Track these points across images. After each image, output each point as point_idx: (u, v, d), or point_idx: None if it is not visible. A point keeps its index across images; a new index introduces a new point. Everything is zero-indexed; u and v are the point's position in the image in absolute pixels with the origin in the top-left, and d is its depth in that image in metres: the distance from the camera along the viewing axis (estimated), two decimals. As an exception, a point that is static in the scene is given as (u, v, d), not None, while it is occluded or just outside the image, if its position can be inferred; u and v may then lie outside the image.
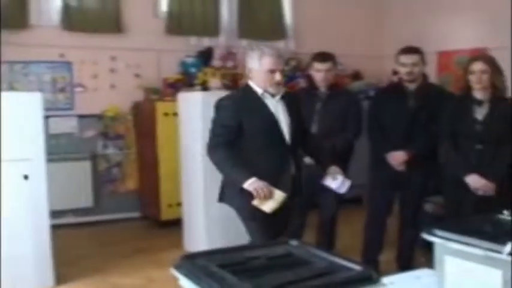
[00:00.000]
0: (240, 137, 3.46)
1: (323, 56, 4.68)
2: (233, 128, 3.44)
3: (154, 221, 6.64)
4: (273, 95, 3.53)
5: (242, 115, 3.45)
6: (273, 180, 3.41)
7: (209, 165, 5.19)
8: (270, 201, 3.32)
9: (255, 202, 3.32)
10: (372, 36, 8.35)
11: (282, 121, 3.54)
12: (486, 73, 3.98)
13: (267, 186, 3.31)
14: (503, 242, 1.98)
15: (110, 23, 6.72)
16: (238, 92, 3.91)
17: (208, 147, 3.54)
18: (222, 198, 3.72)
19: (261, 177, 3.34)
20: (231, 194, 3.58)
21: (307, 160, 4.56)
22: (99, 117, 6.79)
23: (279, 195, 3.35)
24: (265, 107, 3.51)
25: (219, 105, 3.55)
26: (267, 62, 3.46)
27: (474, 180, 4.01)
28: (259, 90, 3.52)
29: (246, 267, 1.71)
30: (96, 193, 6.79)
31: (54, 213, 4.96)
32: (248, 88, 3.59)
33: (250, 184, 3.30)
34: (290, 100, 3.64)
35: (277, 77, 3.47)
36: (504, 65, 4.16)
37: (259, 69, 3.48)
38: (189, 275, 1.68)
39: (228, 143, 3.44)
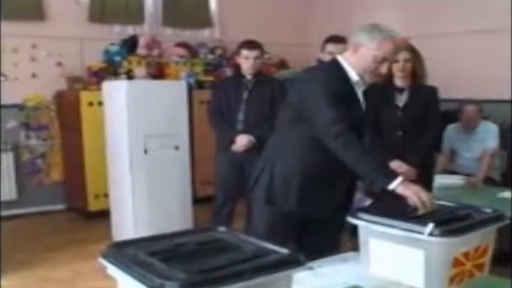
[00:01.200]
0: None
1: (251, 44, 4.71)
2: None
3: (81, 212, 6.53)
4: (362, 85, 2.86)
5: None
6: (331, 187, 2.92)
7: (136, 155, 5.23)
8: None
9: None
10: (298, 25, 8.42)
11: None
12: (409, 62, 4.12)
13: (427, 193, 2.48)
14: (424, 223, 2.06)
15: (31, 9, 6.51)
16: (327, 68, 2.99)
17: (335, 135, 2.66)
18: (269, 199, 2.97)
19: (317, 179, 2.84)
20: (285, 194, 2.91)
21: (236, 147, 4.61)
22: (21, 107, 6.59)
23: (434, 204, 2.46)
24: (357, 98, 2.86)
25: (316, 78, 2.84)
26: (387, 48, 2.76)
27: (397, 166, 4.11)
28: (354, 76, 2.82)
29: (175, 254, 1.72)
30: (20, 185, 6.60)
31: (-24, 207, 4.82)
32: (339, 68, 2.85)
33: (410, 189, 2.48)
34: (366, 96, 2.94)
35: (384, 69, 2.82)
36: (424, 52, 4.29)
37: (371, 52, 2.76)
38: (117, 263, 1.67)
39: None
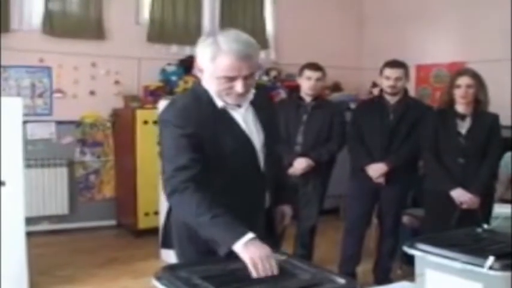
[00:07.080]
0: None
1: (315, 65, 4.75)
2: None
3: (131, 229, 6.58)
4: (238, 105, 2.40)
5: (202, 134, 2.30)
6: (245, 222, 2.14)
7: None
8: None
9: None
10: (351, 48, 8.38)
11: (255, 139, 2.44)
12: (472, 87, 4.03)
13: (270, 257, 1.93)
14: (484, 256, 2.00)
15: (92, 29, 6.66)
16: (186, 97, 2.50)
17: (170, 190, 2.26)
18: (166, 243, 2.68)
19: None
20: (181, 242, 2.48)
21: (293, 170, 4.57)
22: (78, 123, 6.71)
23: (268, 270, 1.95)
24: (233, 123, 2.39)
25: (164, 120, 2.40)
26: (223, 65, 2.27)
27: (459, 194, 4.03)
28: (218, 102, 2.36)
29: (229, 279, 1.70)
30: (72, 200, 6.70)
31: (29, 220, 4.87)
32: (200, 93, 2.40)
33: (248, 250, 1.95)
34: (261, 104, 2.55)
35: (238, 87, 2.29)
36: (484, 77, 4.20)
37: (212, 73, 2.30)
38: (170, 286, 1.66)
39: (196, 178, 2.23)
